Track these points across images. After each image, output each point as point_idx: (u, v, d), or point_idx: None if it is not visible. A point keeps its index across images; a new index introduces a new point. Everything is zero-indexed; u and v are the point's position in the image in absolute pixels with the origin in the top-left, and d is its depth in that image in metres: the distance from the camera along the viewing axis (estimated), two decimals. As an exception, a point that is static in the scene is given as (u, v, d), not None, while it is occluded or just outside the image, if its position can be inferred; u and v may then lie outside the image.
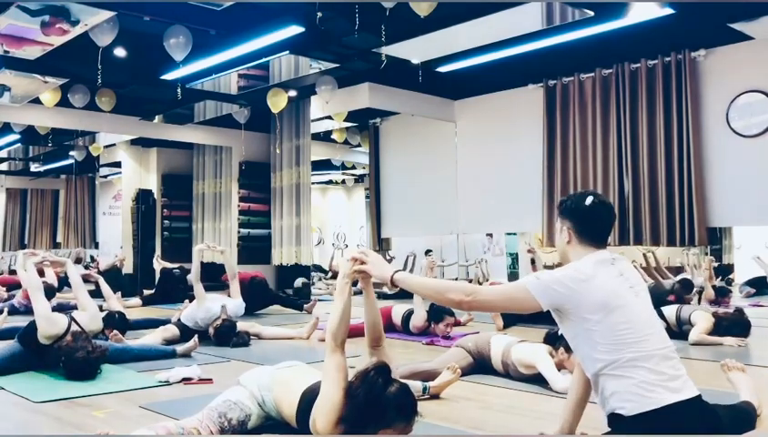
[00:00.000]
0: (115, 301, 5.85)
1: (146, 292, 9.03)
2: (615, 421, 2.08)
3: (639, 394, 2.02)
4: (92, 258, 14.38)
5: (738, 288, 9.47)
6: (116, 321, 5.14)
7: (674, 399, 2.01)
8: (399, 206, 10.24)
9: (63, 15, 5.25)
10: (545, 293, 2.10)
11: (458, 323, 6.29)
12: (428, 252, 10.93)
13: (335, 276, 13.54)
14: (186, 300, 6.60)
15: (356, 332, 5.72)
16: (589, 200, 2.25)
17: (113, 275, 9.67)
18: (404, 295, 7.98)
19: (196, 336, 4.75)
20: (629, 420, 2.02)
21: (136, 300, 8.52)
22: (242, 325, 5.53)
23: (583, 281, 2.10)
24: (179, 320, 5.34)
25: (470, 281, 10.50)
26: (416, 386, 3.10)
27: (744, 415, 2.54)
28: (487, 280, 10.45)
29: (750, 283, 9.34)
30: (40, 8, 5.17)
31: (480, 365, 3.78)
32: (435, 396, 3.18)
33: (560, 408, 2.47)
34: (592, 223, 2.25)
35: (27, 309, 6.58)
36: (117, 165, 12.40)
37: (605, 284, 2.11)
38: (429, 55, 6.88)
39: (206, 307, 5.29)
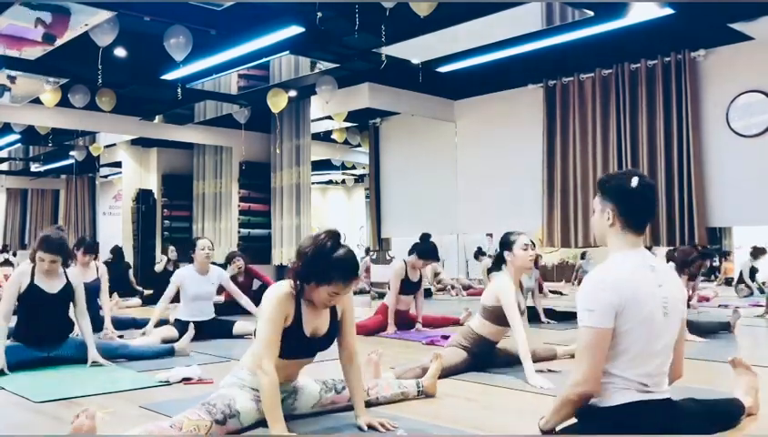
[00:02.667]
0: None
1: (146, 292, 9.03)
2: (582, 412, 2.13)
3: (611, 390, 2.09)
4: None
5: (734, 288, 9.48)
6: (86, 244, 5.50)
7: (640, 398, 2.08)
8: (399, 206, 10.23)
9: (65, 12, 5.25)
10: (608, 316, 2.05)
11: (457, 323, 6.31)
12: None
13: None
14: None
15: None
16: (634, 182, 2.15)
17: (119, 271, 9.63)
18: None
19: (191, 325, 4.74)
20: (596, 410, 2.10)
21: (136, 300, 8.53)
22: (243, 325, 5.53)
23: (625, 286, 2.06)
24: (177, 319, 5.33)
25: (470, 281, 10.51)
26: (411, 385, 3.10)
27: (722, 412, 2.53)
28: (481, 282, 10.46)
29: (742, 280, 9.34)
30: (41, 6, 5.18)
31: (477, 356, 3.78)
32: (431, 395, 3.16)
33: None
34: (637, 206, 2.16)
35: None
36: (118, 165, 12.41)
37: (643, 297, 2.08)
38: (429, 55, 6.88)
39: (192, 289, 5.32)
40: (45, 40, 5.67)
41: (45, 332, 4.08)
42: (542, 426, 2.18)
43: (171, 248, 9.36)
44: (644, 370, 2.10)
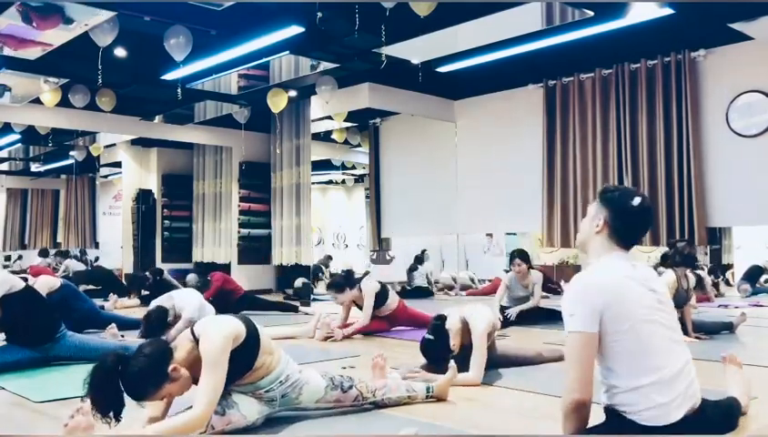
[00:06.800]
0: None
1: (143, 292, 8.97)
2: (614, 416, 2.06)
3: (650, 415, 1.99)
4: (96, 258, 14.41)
5: (736, 286, 9.45)
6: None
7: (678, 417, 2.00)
8: (399, 206, 10.24)
9: (58, 12, 5.24)
10: (591, 320, 1.97)
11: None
12: (423, 252, 10.90)
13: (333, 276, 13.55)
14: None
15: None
16: (636, 201, 2.12)
17: (105, 277, 9.59)
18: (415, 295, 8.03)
19: None
20: (628, 422, 2.01)
21: (135, 300, 8.50)
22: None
23: (607, 288, 2.00)
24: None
25: (472, 281, 10.49)
26: (420, 389, 3.07)
27: (728, 413, 2.52)
28: (482, 282, 10.44)
29: (746, 277, 9.29)
30: (39, 5, 5.18)
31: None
32: (442, 399, 3.13)
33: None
34: (631, 224, 2.13)
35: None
36: (118, 165, 12.42)
37: (630, 292, 2.02)
38: (429, 55, 6.89)
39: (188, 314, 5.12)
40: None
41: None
42: None
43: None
44: (668, 384, 2.01)
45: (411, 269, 9.84)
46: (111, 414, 2.26)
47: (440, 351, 3.47)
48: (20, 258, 15.25)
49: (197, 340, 2.42)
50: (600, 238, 2.13)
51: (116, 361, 2.31)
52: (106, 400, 2.25)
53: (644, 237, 7.25)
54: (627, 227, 2.12)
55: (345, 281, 5.52)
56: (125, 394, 2.32)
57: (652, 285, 2.11)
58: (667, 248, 5.79)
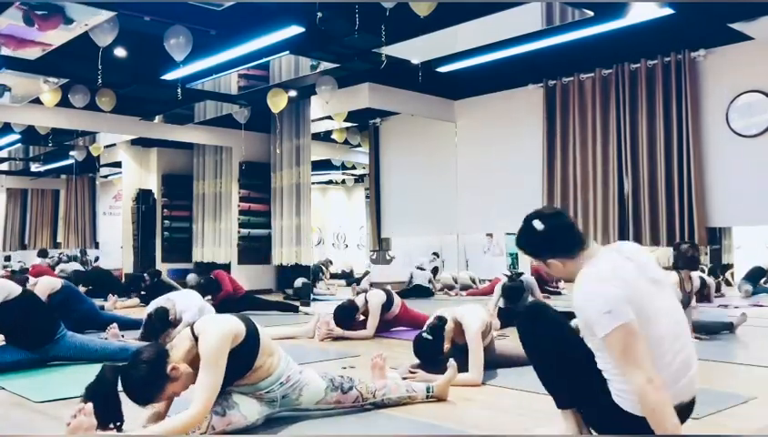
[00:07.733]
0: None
1: (142, 293, 8.95)
2: (612, 409, 2.02)
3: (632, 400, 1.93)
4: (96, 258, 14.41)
5: (737, 286, 9.44)
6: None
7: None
8: (399, 206, 10.24)
9: (60, 12, 5.24)
10: (625, 310, 1.87)
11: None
12: (435, 254, 10.89)
13: (333, 276, 13.58)
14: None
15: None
16: (539, 225, 2.13)
17: (102, 277, 9.57)
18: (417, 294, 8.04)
19: None
20: (628, 415, 1.97)
21: (134, 300, 8.50)
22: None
23: (616, 274, 1.94)
24: None
25: (473, 280, 10.49)
26: (420, 389, 3.07)
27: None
28: (482, 282, 10.42)
29: (748, 278, 9.26)
30: (38, 4, 5.18)
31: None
32: (442, 400, 3.12)
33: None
34: (563, 237, 2.10)
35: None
36: (118, 165, 12.42)
37: (629, 279, 1.94)
38: (429, 55, 6.89)
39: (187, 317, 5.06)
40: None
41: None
42: None
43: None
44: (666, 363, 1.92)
45: (411, 274, 9.81)
46: (112, 425, 2.30)
47: (434, 352, 3.49)
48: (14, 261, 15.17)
49: (196, 339, 2.43)
50: (569, 263, 2.09)
51: (115, 374, 2.34)
52: (108, 413, 2.28)
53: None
54: (561, 241, 2.09)
55: (351, 312, 5.41)
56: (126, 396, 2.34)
57: (636, 260, 2.03)
58: (672, 249, 5.79)
